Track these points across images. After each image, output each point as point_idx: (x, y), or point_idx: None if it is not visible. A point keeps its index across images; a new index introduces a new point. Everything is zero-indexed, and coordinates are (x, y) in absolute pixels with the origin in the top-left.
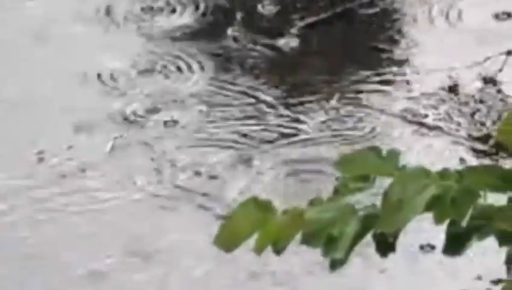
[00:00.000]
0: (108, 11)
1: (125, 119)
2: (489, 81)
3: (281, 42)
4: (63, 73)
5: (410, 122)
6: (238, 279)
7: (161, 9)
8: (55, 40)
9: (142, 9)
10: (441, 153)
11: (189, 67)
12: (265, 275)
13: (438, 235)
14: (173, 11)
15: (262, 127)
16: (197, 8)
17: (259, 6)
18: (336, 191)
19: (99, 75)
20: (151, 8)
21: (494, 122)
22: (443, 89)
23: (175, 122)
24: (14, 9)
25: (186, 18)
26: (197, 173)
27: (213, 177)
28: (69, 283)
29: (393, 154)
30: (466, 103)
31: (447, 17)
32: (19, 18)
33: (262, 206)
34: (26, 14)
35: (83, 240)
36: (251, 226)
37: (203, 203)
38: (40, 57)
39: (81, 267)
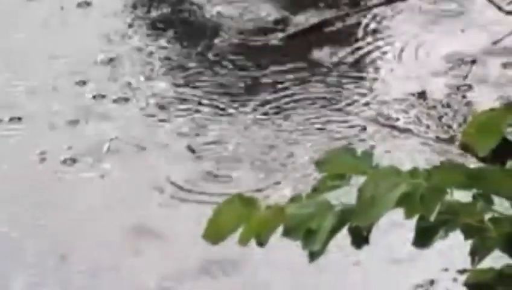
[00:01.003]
0: None
1: None
2: (455, 87)
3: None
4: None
5: (383, 125)
6: None
7: None
8: None
9: None
10: (411, 154)
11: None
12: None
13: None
14: None
15: None
16: None
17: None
18: (315, 189)
19: None
20: None
21: (459, 125)
22: (413, 95)
23: None
24: None
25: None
26: None
27: None
28: None
29: (367, 154)
30: (434, 108)
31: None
32: None
33: (247, 202)
34: None
35: None
36: (236, 220)
37: None
38: None
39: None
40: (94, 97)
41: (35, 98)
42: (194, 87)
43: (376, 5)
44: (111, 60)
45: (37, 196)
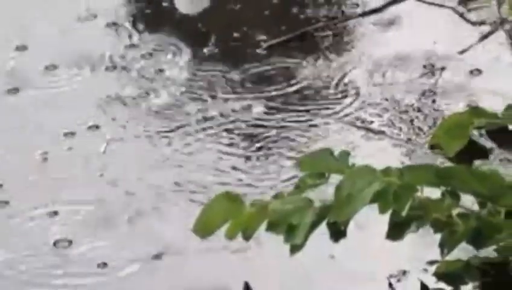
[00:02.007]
0: None
1: None
2: (425, 93)
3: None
4: None
5: (359, 127)
6: None
7: None
8: None
9: None
10: (384, 154)
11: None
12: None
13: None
14: None
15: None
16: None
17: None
18: (296, 187)
19: None
20: None
21: (429, 128)
22: (386, 100)
23: None
24: None
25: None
26: None
27: None
28: None
29: (344, 155)
30: (406, 112)
31: (387, 44)
32: None
33: (233, 199)
34: None
35: None
36: (224, 216)
37: None
38: None
39: None
40: None
41: None
42: None
43: (352, 17)
44: None
45: None
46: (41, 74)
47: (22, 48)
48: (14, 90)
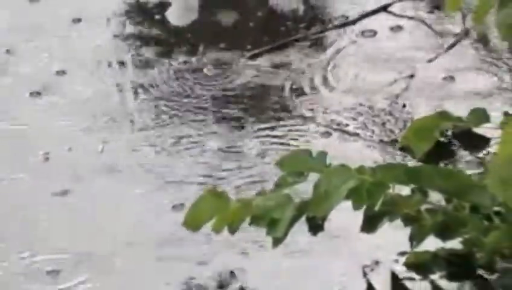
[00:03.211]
0: None
1: None
2: (396, 98)
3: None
4: None
5: (335, 130)
6: None
7: None
8: None
9: None
10: (358, 154)
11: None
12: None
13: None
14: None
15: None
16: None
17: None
18: (277, 185)
19: None
20: None
21: (400, 130)
22: (361, 105)
23: None
24: None
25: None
26: None
27: None
28: None
29: (321, 155)
30: (378, 116)
31: (362, 53)
32: None
33: (219, 196)
34: None
35: None
36: (211, 212)
37: None
38: None
39: None
40: None
41: None
42: None
43: (328, 29)
44: None
45: None
46: None
47: None
48: None
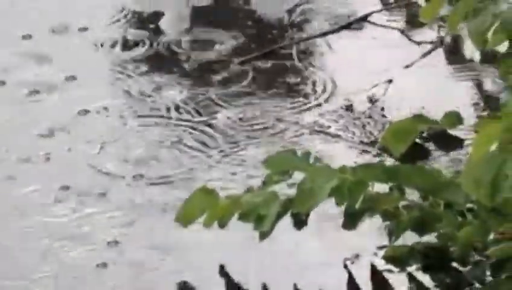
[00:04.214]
0: None
1: None
2: (375, 102)
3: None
4: None
5: (318, 132)
6: None
7: None
8: None
9: None
10: (340, 154)
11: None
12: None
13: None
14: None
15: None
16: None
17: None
18: (264, 182)
19: None
20: None
21: (379, 132)
22: (342, 108)
23: None
24: None
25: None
26: None
27: None
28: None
29: (306, 155)
30: (358, 118)
31: (344, 60)
32: None
33: (210, 193)
34: None
35: None
36: (202, 208)
37: None
38: None
39: None
40: None
41: None
42: None
43: (310, 38)
44: None
45: None
46: None
47: None
48: None
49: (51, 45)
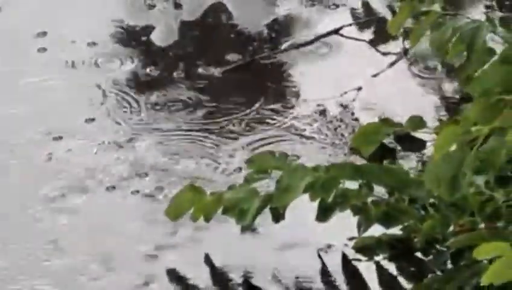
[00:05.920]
0: None
1: None
2: (346, 107)
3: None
4: None
5: (294, 134)
6: None
7: None
8: None
9: None
10: (314, 155)
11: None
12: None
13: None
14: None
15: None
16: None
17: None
18: (246, 180)
19: None
20: None
21: (349, 134)
22: (316, 112)
23: None
24: None
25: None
26: None
27: None
28: None
29: (283, 156)
30: (331, 122)
31: (317, 69)
32: None
33: (197, 190)
34: None
35: None
36: (189, 203)
37: None
38: None
39: None
40: None
41: None
42: None
43: (289, 49)
44: None
45: None
46: None
47: None
48: None
49: None
